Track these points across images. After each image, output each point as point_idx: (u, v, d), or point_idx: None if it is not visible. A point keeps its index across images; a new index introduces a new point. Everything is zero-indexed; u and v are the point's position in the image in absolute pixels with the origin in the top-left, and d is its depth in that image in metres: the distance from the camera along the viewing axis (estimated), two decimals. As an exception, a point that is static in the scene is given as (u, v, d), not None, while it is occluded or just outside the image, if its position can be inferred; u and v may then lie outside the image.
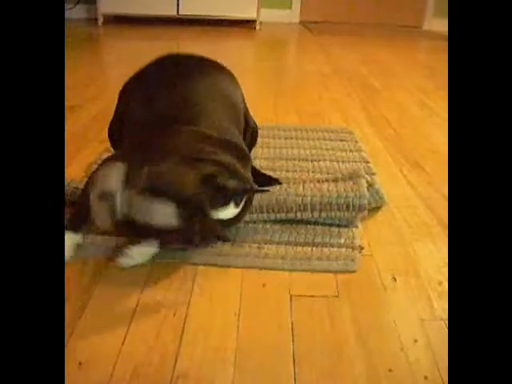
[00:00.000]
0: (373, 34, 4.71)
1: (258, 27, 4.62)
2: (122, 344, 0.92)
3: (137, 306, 1.02)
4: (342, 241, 1.24)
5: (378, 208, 1.40)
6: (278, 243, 1.23)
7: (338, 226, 1.30)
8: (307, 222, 1.30)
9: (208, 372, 0.87)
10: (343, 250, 1.21)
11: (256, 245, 1.22)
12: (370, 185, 1.38)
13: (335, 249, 1.21)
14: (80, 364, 0.88)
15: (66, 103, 2.15)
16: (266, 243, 1.22)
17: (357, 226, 1.31)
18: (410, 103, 2.50)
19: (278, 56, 3.72)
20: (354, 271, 1.15)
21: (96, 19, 4.58)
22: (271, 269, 1.15)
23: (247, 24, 4.69)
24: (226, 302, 1.04)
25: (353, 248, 1.21)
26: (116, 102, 1.38)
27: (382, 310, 1.03)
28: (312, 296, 1.06)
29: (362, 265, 1.16)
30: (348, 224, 1.30)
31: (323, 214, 1.29)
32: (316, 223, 1.30)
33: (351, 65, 3.30)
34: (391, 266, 1.17)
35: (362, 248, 1.22)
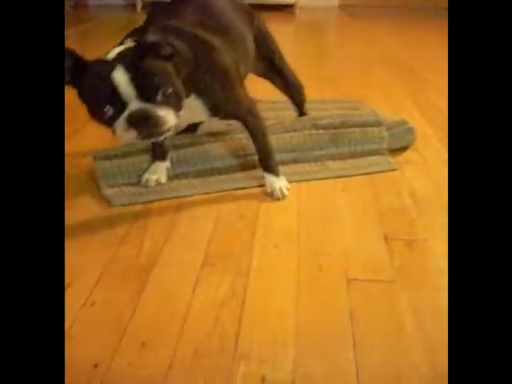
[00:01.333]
0: (415, 17, 4.60)
1: (297, 12, 4.57)
2: (182, 326, 0.94)
3: (195, 287, 1.03)
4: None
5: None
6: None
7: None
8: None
9: (269, 353, 0.88)
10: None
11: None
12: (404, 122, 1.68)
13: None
14: (143, 344, 0.90)
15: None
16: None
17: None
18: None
19: (318, 41, 3.67)
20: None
21: (135, 5, 4.60)
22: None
23: (286, 9, 4.64)
24: (283, 285, 1.05)
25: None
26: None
27: (439, 295, 1.02)
28: (368, 280, 1.06)
29: (417, 250, 1.15)
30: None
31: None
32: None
33: (394, 49, 3.23)
34: (447, 251, 1.15)
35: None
